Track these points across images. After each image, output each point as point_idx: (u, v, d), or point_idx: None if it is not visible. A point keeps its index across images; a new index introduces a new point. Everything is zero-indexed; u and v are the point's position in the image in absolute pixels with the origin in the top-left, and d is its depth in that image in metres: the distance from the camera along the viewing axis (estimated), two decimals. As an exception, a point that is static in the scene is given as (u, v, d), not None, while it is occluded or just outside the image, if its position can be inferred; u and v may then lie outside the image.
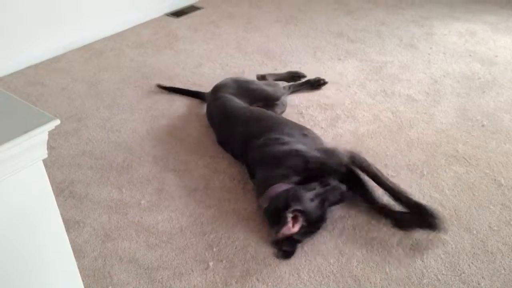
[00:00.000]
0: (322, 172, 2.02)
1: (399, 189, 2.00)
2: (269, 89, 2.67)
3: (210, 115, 2.62)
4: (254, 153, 2.18)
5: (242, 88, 2.64)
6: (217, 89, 2.65)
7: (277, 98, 2.68)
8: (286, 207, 1.85)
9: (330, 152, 2.11)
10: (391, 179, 2.11)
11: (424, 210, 1.91)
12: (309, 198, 1.90)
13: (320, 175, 2.01)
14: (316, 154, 2.08)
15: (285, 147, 2.11)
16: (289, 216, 1.82)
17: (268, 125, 2.29)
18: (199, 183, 2.29)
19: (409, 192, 2.01)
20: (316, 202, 1.91)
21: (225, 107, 2.48)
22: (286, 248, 1.88)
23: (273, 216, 1.91)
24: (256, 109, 2.49)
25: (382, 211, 2.00)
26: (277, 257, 1.87)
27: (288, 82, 2.95)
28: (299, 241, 1.90)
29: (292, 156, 2.07)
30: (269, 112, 2.48)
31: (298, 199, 1.89)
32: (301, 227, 1.86)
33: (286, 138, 2.17)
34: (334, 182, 1.98)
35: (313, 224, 1.92)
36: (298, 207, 1.85)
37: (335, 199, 1.98)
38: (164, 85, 3.07)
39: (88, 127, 2.76)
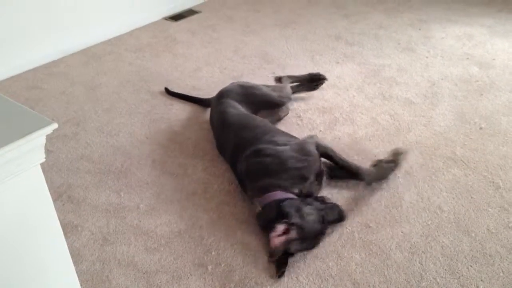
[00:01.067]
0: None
1: (352, 164, 2.20)
2: (274, 94, 2.64)
3: (211, 120, 2.61)
4: (242, 165, 2.16)
5: (247, 93, 2.61)
6: (222, 94, 2.62)
7: (283, 103, 2.67)
8: (280, 217, 1.84)
9: (306, 152, 2.12)
10: (389, 182, 2.16)
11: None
12: (307, 212, 1.89)
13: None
14: (297, 158, 2.09)
15: (273, 158, 2.09)
16: (280, 227, 1.81)
17: (254, 134, 2.26)
18: (198, 187, 2.29)
19: (361, 167, 2.19)
20: (314, 217, 1.89)
21: (224, 113, 2.46)
22: (279, 265, 1.84)
23: (265, 222, 1.90)
24: (246, 116, 2.45)
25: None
26: (277, 276, 1.83)
27: (308, 84, 2.93)
28: (291, 255, 1.88)
29: (279, 168, 2.05)
30: (257, 120, 2.42)
31: (296, 211, 1.87)
32: (292, 241, 1.83)
33: (271, 150, 2.14)
34: (333, 203, 2.03)
35: (309, 239, 1.89)
36: (293, 221, 1.83)
37: (333, 218, 1.97)
38: (170, 90, 3.06)
39: (87, 131, 2.76)
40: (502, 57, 3.28)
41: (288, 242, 1.82)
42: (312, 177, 2.07)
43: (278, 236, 1.81)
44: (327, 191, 2.17)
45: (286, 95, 2.69)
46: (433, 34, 3.68)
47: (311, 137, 2.27)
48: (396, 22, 3.93)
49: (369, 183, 2.19)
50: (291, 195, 1.97)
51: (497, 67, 3.16)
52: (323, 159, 2.20)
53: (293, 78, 2.94)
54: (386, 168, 2.22)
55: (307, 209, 1.89)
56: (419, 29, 3.77)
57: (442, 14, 4.03)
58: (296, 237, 1.83)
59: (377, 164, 2.23)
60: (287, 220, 1.83)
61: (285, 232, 1.82)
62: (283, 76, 2.92)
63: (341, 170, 2.21)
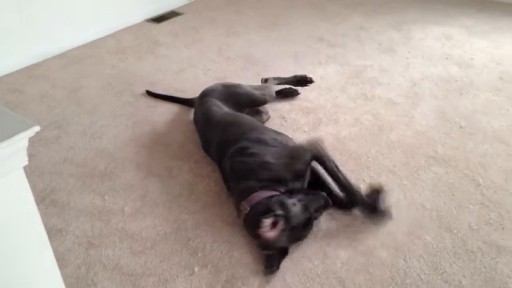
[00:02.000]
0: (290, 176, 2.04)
1: (351, 187, 2.04)
2: (257, 92, 2.66)
3: (195, 120, 2.61)
4: (226, 163, 2.15)
5: (230, 92, 2.63)
6: (205, 93, 2.64)
7: (265, 101, 2.68)
8: (266, 213, 1.83)
9: (296, 155, 2.09)
10: (373, 180, 2.18)
11: (371, 207, 2.01)
12: (291, 203, 1.89)
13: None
14: (283, 161, 2.06)
15: (256, 158, 2.08)
16: (267, 221, 1.80)
17: (241, 131, 2.26)
18: (183, 189, 2.28)
19: (360, 191, 2.04)
20: (298, 207, 1.89)
21: (208, 112, 2.47)
22: (270, 263, 1.85)
23: (254, 223, 1.86)
24: (233, 114, 2.46)
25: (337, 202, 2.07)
26: (264, 274, 1.83)
27: (295, 86, 2.94)
28: (286, 252, 1.89)
29: (262, 169, 2.04)
30: (245, 118, 2.43)
31: (279, 204, 1.87)
32: (282, 232, 1.83)
33: (256, 148, 2.13)
34: (316, 191, 2.01)
35: (298, 230, 1.90)
36: (278, 212, 1.83)
37: (319, 205, 1.96)
38: (153, 92, 3.06)
39: (69, 134, 2.74)
40: (481, 56, 3.35)
41: (279, 234, 1.83)
42: (292, 180, 2.04)
43: (268, 229, 1.81)
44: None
45: (269, 94, 2.70)
46: (413, 35, 3.74)
47: (312, 143, 2.15)
48: (376, 23, 3.98)
49: (364, 213, 2.04)
50: (274, 192, 1.97)
51: (476, 66, 3.22)
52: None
53: (279, 80, 2.95)
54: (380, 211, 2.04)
55: (290, 201, 1.90)
56: (400, 30, 3.82)
57: (422, 15, 4.10)
58: (284, 228, 1.83)
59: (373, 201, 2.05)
60: (272, 213, 1.82)
61: (274, 225, 1.82)
62: (269, 78, 2.94)
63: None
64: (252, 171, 2.05)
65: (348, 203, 2.06)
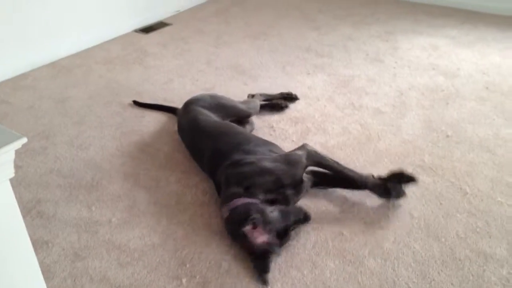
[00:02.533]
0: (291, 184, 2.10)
1: (355, 174, 2.16)
2: (242, 106, 2.69)
3: (181, 129, 2.61)
4: (222, 173, 2.16)
5: (216, 102, 2.64)
6: (190, 102, 2.64)
7: (249, 115, 2.70)
8: (245, 219, 1.87)
9: (292, 161, 2.13)
10: (361, 190, 2.18)
11: (384, 187, 2.13)
12: (269, 210, 1.94)
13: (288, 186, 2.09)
14: (281, 167, 2.10)
15: (253, 167, 2.11)
16: (248, 227, 1.86)
17: (235, 142, 2.28)
18: (171, 199, 2.27)
19: (365, 175, 2.16)
20: (276, 214, 1.93)
21: (195, 120, 2.47)
22: (259, 265, 1.86)
23: (232, 226, 1.95)
24: (225, 123, 2.48)
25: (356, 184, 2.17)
26: (257, 281, 1.84)
27: (280, 102, 2.96)
28: (270, 252, 1.88)
29: (260, 175, 2.07)
30: (238, 128, 2.46)
31: (257, 210, 1.92)
32: (268, 233, 1.88)
33: (253, 157, 2.17)
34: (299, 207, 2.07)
35: (279, 234, 1.92)
36: (254, 216, 1.87)
37: (297, 218, 1.98)
38: (140, 102, 3.05)
39: (56, 145, 2.71)
40: (466, 66, 3.40)
41: (267, 235, 1.87)
42: (288, 185, 2.08)
43: (254, 236, 1.85)
44: (302, 202, 2.17)
45: (253, 107, 2.74)
46: (400, 45, 3.78)
47: (302, 146, 2.25)
48: (364, 34, 4.03)
49: (375, 192, 2.15)
50: (255, 200, 2.00)
51: (462, 76, 3.27)
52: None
53: (265, 96, 3.00)
54: (394, 187, 2.14)
55: (269, 209, 1.95)
56: (387, 41, 3.87)
57: (408, 26, 4.15)
58: (264, 231, 1.88)
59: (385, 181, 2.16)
60: (250, 217, 1.87)
61: (254, 228, 1.87)
62: (256, 94, 3.00)
63: (336, 179, 2.22)
64: (247, 178, 2.07)
65: (361, 186, 2.16)
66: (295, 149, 2.24)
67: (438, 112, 2.86)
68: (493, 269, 1.84)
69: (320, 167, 2.21)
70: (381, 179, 2.15)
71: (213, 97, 2.70)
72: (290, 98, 3.03)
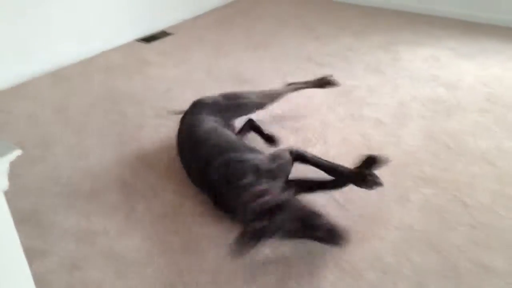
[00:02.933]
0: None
1: (337, 166, 2.24)
2: (256, 100, 2.68)
3: (179, 130, 2.52)
4: (214, 176, 2.13)
5: (228, 102, 2.61)
6: (196, 104, 2.59)
7: (263, 105, 2.71)
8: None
9: (277, 156, 2.22)
10: (362, 201, 2.17)
11: (361, 176, 2.17)
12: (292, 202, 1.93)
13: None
14: (269, 162, 2.16)
15: (244, 164, 2.11)
16: (259, 187, 1.97)
17: (222, 148, 2.23)
18: (169, 209, 2.25)
19: (342, 166, 2.22)
20: (298, 202, 1.94)
21: (191, 128, 2.40)
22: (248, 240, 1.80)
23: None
24: (215, 133, 2.35)
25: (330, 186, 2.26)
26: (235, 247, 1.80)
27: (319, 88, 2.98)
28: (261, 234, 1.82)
29: (254, 171, 2.08)
30: (229, 136, 2.36)
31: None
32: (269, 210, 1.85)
33: (242, 156, 2.17)
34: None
35: (287, 221, 1.87)
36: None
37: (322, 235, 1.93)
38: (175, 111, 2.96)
39: (55, 154, 2.70)
40: (467, 78, 3.39)
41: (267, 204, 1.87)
42: (283, 179, 2.13)
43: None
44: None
45: (270, 98, 2.73)
46: (401, 56, 3.78)
47: (286, 147, 2.34)
48: (364, 44, 4.03)
49: (356, 184, 2.18)
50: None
51: (463, 88, 3.26)
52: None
53: (303, 84, 2.99)
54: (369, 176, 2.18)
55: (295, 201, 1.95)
56: (388, 51, 3.87)
57: (409, 36, 4.15)
58: (269, 201, 1.88)
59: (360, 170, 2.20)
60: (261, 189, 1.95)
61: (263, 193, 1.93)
62: (293, 82, 3.01)
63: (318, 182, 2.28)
64: (243, 174, 2.07)
65: (341, 182, 2.23)
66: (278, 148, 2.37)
67: (440, 124, 2.85)
68: (493, 282, 1.82)
69: (303, 161, 2.28)
70: (356, 167, 2.20)
71: (225, 95, 2.66)
72: (328, 83, 2.96)
